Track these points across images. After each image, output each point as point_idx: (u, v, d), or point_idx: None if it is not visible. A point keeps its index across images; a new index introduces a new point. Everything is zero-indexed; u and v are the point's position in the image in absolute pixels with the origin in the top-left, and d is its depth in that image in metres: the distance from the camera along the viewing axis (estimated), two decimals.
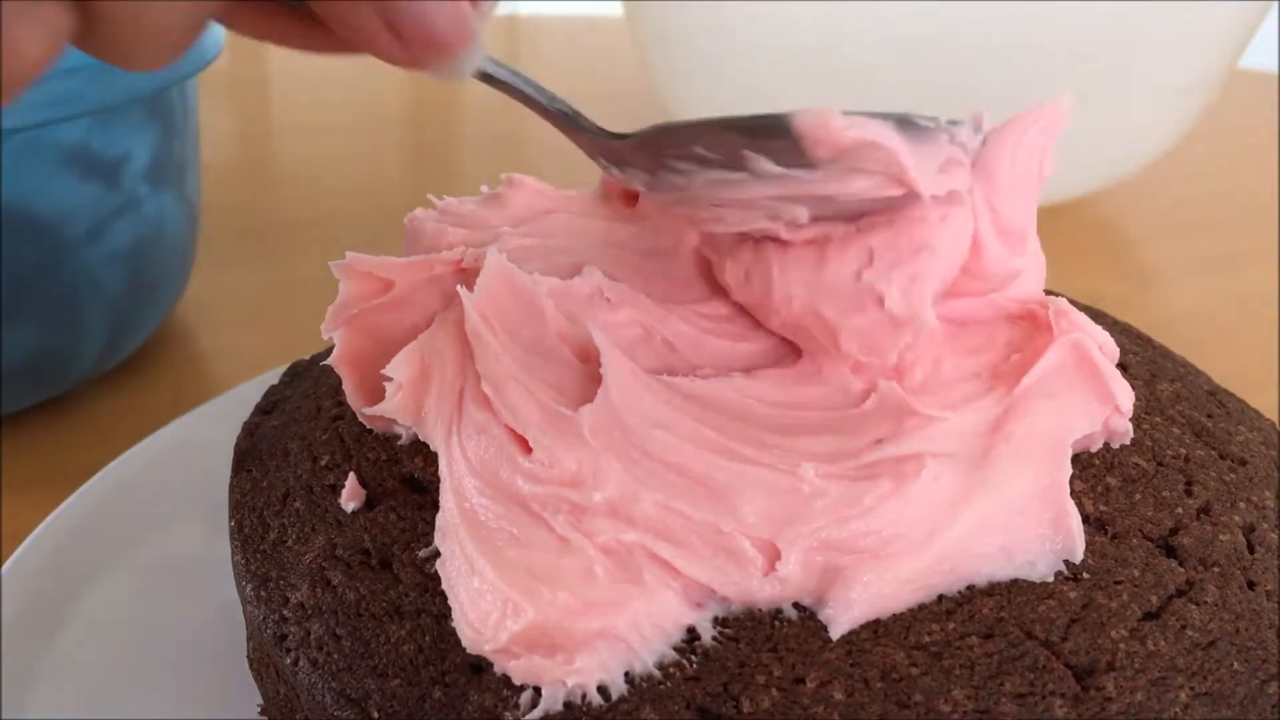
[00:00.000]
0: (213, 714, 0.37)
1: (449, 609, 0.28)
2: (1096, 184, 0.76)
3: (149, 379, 0.58)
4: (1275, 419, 0.39)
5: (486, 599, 0.27)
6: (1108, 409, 0.32)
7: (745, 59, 0.72)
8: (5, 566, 0.40)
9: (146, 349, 0.60)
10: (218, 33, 0.55)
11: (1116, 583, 0.29)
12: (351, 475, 0.33)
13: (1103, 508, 0.31)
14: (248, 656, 0.36)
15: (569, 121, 0.32)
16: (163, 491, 0.45)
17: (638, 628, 0.27)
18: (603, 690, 0.27)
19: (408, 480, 0.33)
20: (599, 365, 0.30)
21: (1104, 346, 0.33)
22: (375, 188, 0.83)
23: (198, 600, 0.41)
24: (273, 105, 1.01)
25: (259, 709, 0.35)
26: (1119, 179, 0.76)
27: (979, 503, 0.29)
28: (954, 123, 0.30)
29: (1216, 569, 0.30)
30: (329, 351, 0.41)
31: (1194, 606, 0.29)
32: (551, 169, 0.75)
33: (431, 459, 0.32)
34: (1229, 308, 0.68)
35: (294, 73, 1.07)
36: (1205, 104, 0.73)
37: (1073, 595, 0.29)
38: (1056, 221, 0.74)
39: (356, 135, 0.94)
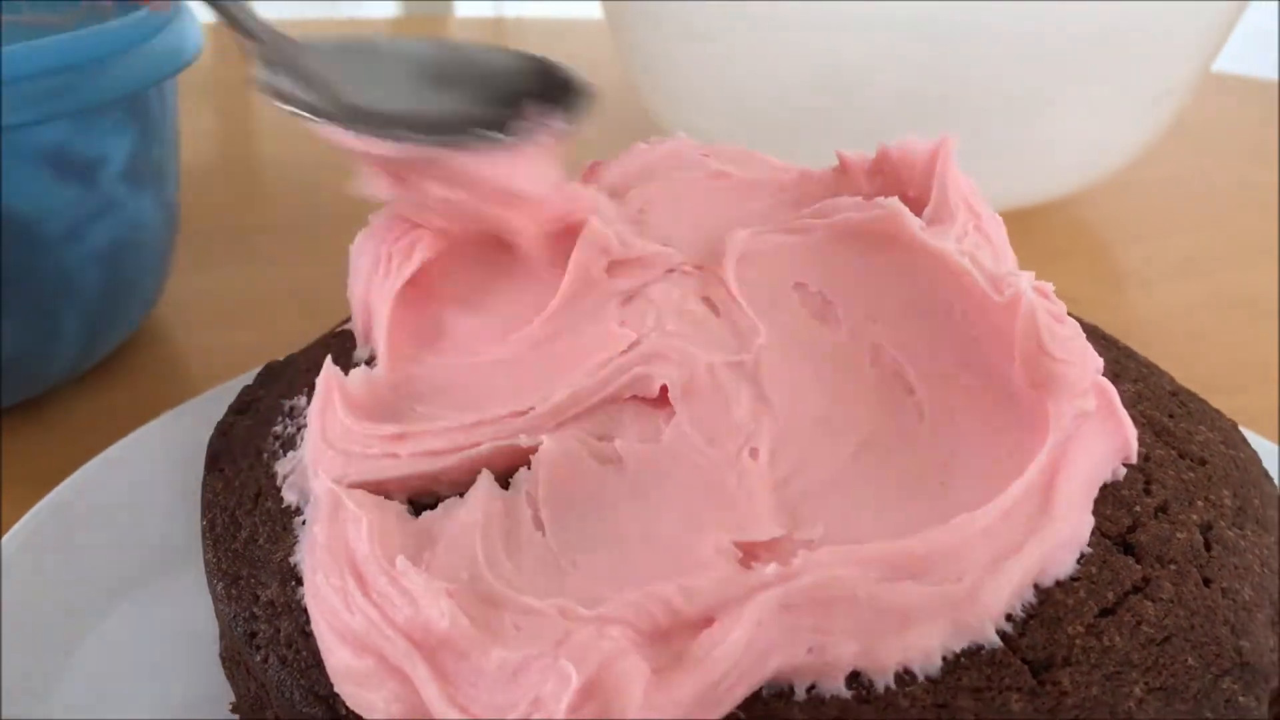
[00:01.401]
0: (185, 713, 0.37)
1: None
2: (1070, 187, 0.77)
3: (126, 381, 0.58)
4: (1245, 421, 0.40)
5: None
6: (1123, 454, 0.33)
7: (723, 60, 0.73)
8: None
9: (124, 351, 0.60)
10: (196, 34, 0.55)
11: (1074, 580, 0.30)
12: None
13: None
14: (220, 655, 0.36)
15: None
16: (137, 493, 0.45)
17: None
18: None
19: None
20: None
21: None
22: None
23: (172, 601, 0.41)
24: (255, 107, 1.01)
25: (230, 707, 0.35)
26: (1092, 182, 0.77)
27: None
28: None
29: (1173, 566, 0.31)
30: (304, 352, 0.42)
31: (1149, 603, 0.30)
32: None
33: None
34: (1201, 310, 0.69)
35: None
36: (1178, 108, 0.74)
37: (1030, 593, 0.29)
38: (1030, 224, 0.75)
39: None
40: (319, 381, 0.34)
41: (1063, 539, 0.30)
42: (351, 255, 0.39)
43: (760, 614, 0.27)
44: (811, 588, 0.27)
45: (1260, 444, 0.43)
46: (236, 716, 0.35)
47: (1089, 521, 0.31)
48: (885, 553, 0.28)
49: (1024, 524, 0.29)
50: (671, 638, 0.27)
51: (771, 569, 0.27)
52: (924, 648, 0.28)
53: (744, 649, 0.26)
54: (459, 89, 0.40)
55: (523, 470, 0.31)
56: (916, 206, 0.37)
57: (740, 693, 0.27)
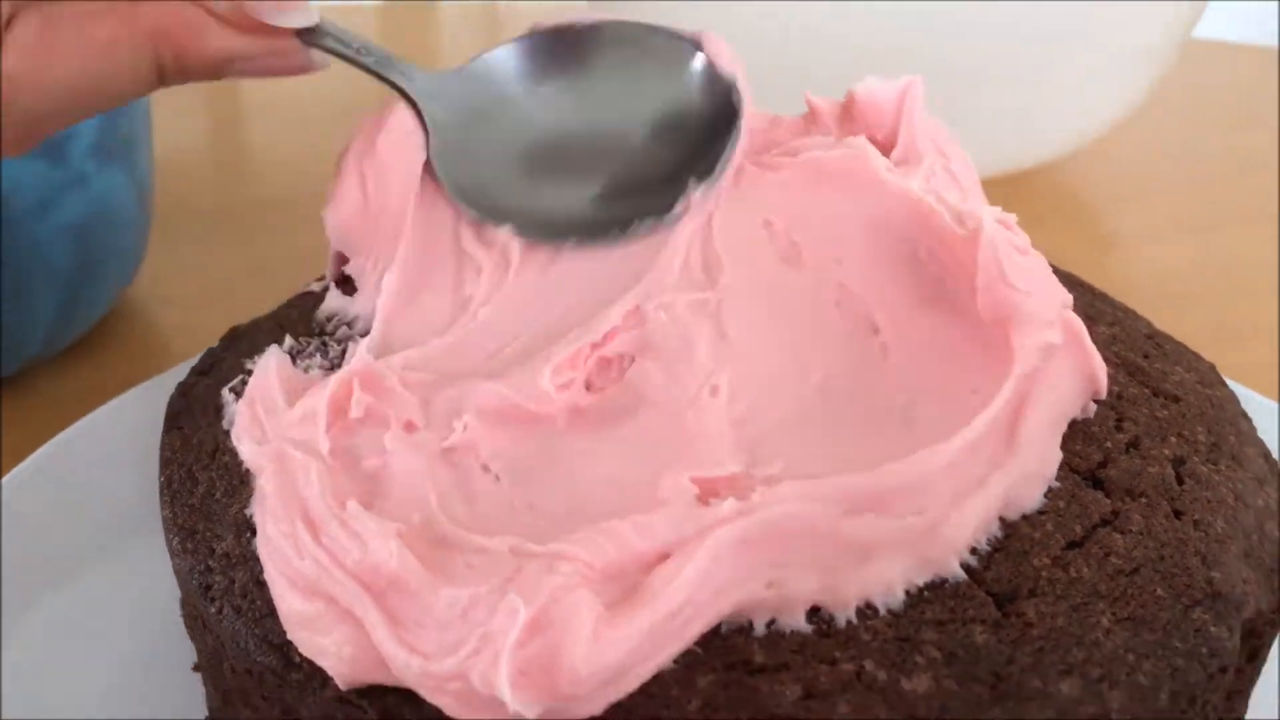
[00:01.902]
0: (153, 675, 0.37)
1: None
2: (1054, 152, 0.76)
3: (101, 358, 0.58)
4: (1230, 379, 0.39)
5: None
6: (1092, 389, 0.33)
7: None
8: None
9: (99, 328, 0.60)
10: None
11: (1041, 514, 0.29)
12: None
13: None
14: (181, 615, 0.36)
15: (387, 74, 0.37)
16: (106, 464, 0.44)
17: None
18: None
19: None
20: None
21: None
22: None
23: (140, 567, 0.40)
24: (236, 90, 1.01)
25: (193, 667, 0.35)
26: (1076, 147, 0.76)
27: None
28: None
29: (1143, 499, 0.30)
30: (268, 316, 0.41)
31: (1118, 535, 0.29)
32: None
33: None
34: (1185, 273, 0.68)
35: None
36: (1160, 71, 0.73)
37: (995, 526, 0.29)
38: (1016, 189, 0.74)
39: (324, 120, 0.93)
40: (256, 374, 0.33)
41: (1028, 471, 0.29)
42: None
43: (717, 549, 0.26)
44: (769, 523, 0.26)
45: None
46: (198, 674, 0.34)
47: (1056, 456, 0.30)
48: (845, 487, 0.27)
49: (988, 458, 0.29)
50: (626, 575, 0.26)
51: (729, 504, 0.27)
52: (885, 581, 0.27)
53: (699, 584, 0.26)
54: (617, 152, 0.37)
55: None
56: (885, 149, 0.37)
57: (696, 629, 0.26)
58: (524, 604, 0.24)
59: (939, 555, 0.28)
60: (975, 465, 0.29)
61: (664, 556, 0.26)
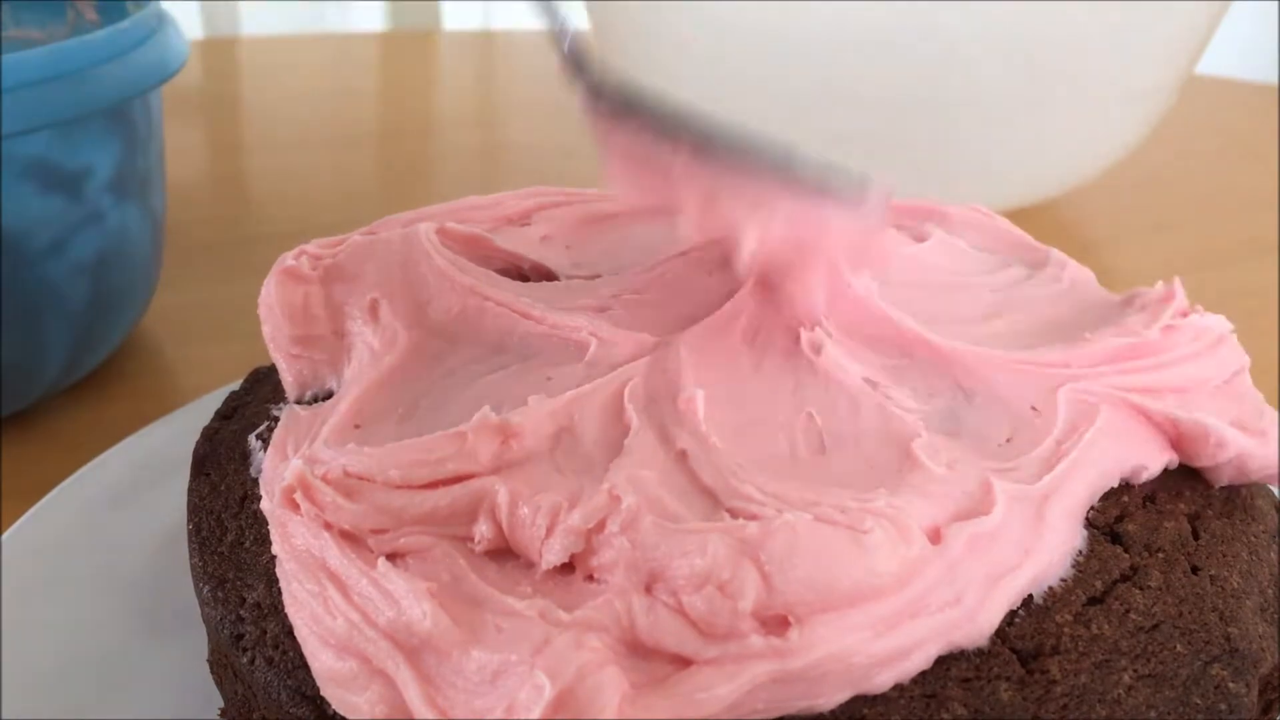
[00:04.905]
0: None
1: None
2: (1057, 188, 0.77)
3: (114, 393, 0.58)
4: None
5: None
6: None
7: (709, 68, 0.73)
8: None
9: (112, 362, 0.60)
10: (181, 45, 0.55)
11: None
12: None
13: None
14: (207, 660, 0.36)
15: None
16: (125, 502, 0.45)
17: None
18: None
19: None
20: None
21: None
22: (347, 203, 0.83)
23: (160, 608, 0.41)
24: (244, 121, 1.01)
25: (219, 712, 0.35)
26: (1079, 183, 0.77)
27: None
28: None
29: (1161, 554, 0.31)
30: None
31: (1138, 591, 0.30)
32: (523, 183, 0.76)
33: None
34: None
35: (266, 89, 1.07)
36: (1162, 108, 0.74)
37: None
38: (1018, 225, 0.75)
39: (328, 150, 0.94)
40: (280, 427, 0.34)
41: (1057, 557, 0.30)
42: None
43: (753, 683, 0.26)
44: (806, 668, 0.26)
45: None
46: None
47: (1080, 532, 0.31)
48: (879, 614, 0.27)
49: (1016, 542, 0.29)
50: (653, 654, 0.26)
51: (763, 641, 0.26)
52: (920, 666, 0.27)
53: (730, 706, 0.26)
54: None
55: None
56: None
57: None
58: (549, 682, 0.25)
59: (971, 641, 0.28)
60: (1006, 553, 0.29)
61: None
